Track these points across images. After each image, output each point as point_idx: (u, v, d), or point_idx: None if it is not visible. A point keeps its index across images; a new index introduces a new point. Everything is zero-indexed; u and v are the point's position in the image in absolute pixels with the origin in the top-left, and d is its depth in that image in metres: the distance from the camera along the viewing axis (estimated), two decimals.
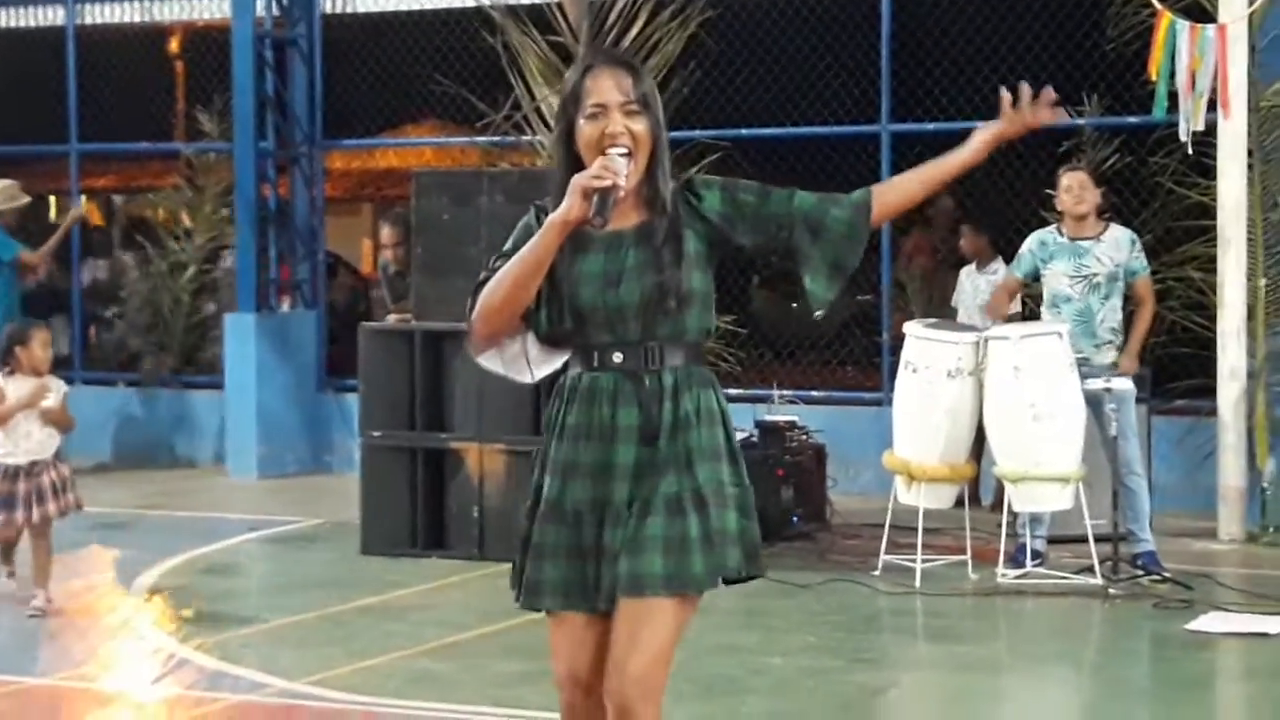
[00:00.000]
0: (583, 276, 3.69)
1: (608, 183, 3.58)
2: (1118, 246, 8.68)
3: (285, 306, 13.12)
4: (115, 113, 14.70)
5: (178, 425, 13.28)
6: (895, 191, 3.93)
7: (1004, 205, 11.74)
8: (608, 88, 3.67)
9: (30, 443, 7.80)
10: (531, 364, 3.83)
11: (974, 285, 10.87)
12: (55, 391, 7.88)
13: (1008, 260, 10.60)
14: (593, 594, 3.70)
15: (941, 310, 11.16)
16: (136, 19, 14.20)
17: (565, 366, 3.83)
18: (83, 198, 13.25)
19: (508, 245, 3.79)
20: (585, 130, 3.69)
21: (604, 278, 3.69)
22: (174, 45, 17.44)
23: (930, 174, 3.92)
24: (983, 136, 3.90)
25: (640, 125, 3.67)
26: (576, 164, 3.70)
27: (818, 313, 3.86)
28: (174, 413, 13.32)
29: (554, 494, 3.75)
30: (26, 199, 12.09)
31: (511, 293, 3.70)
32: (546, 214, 3.69)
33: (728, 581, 3.75)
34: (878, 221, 3.91)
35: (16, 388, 7.81)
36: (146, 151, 15.80)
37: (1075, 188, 8.67)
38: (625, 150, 3.65)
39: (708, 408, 3.74)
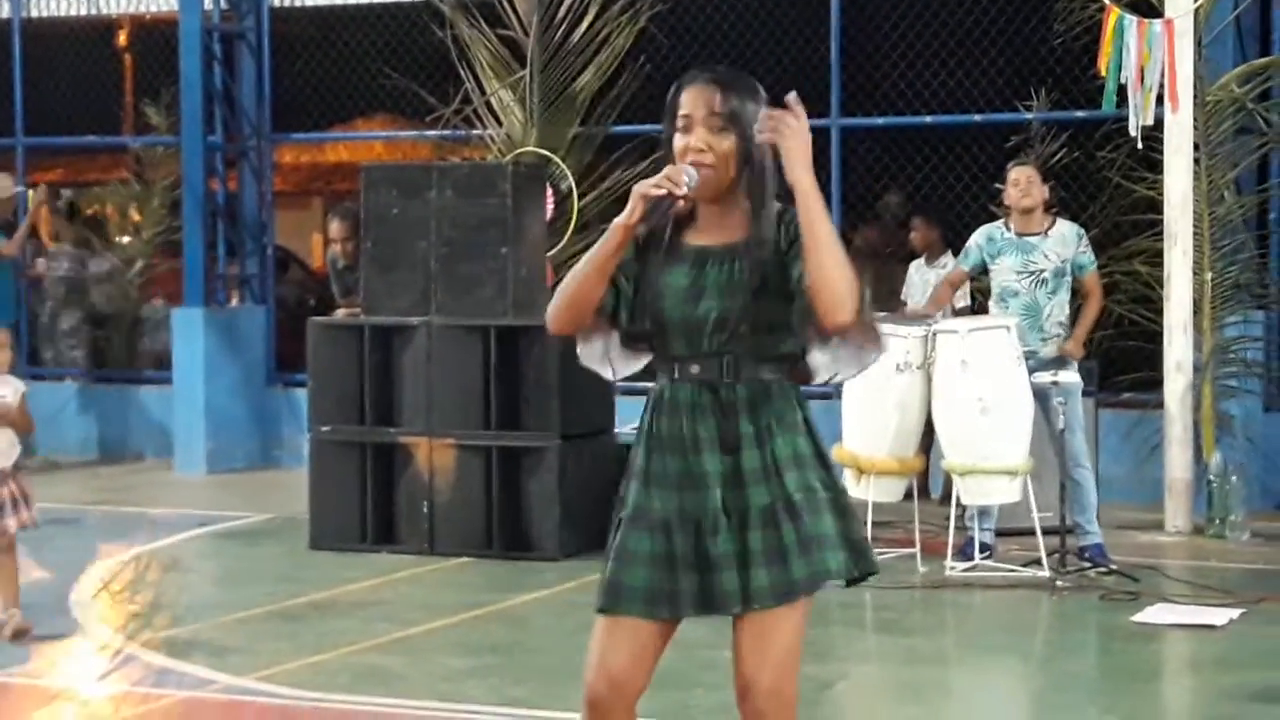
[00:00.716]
0: (667, 288, 3.77)
1: (663, 192, 3.67)
2: (1064, 242, 8.72)
3: (234, 301, 13.07)
4: (62, 106, 14.62)
5: (126, 420, 13.20)
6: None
7: (953, 200, 11.80)
8: (696, 101, 3.74)
9: None
10: (613, 363, 3.90)
11: (923, 279, 10.91)
12: (14, 391, 7.32)
13: (957, 254, 10.66)
14: (676, 600, 3.74)
15: (890, 304, 11.19)
16: (84, 12, 14.11)
17: (656, 376, 3.89)
18: (30, 190, 13.12)
19: None
20: (675, 142, 3.76)
21: (686, 291, 3.75)
22: (122, 39, 17.34)
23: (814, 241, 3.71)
24: (792, 174, 3.71)
25: (725, 141, 3.72)
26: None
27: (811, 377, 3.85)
28: (122, 408, 13.24)
29: (641, 502, 3.80)
30: (16, 190, 12.00)
31: (577, 290, 3.77)
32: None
33: (849, 582, 3.81)
34: (831, 324, 3.68)
35: None
36: (94, 145, 15.70)
37: (1023, 182, 8.72)
38: (707, 164, 3.71)
39: (789, 420, 3.76)
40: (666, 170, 3.71)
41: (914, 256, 11.36)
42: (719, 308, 3.72)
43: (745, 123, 3.73)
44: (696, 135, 3.73)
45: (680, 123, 3.75)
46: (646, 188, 3.67)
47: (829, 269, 3.61)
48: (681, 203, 3.72)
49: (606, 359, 3.89)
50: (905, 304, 10.97)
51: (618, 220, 3.70)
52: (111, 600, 8.11)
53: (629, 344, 3.87)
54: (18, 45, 13.83)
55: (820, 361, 3.81)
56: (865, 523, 8.47)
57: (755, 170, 3.75)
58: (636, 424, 3.91)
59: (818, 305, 3.63)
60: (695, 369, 3.76)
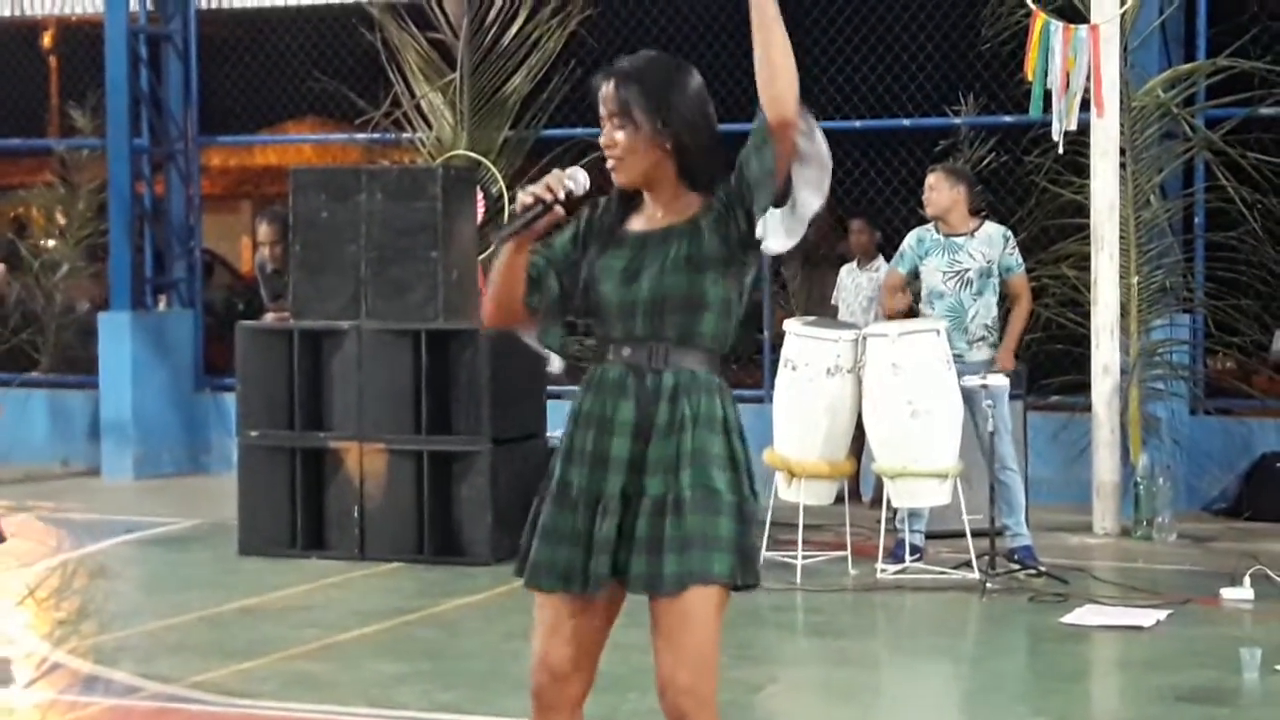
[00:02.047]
0: (604, 271, 3.81)
1: (530, 200, 3.71)
2: (990, 243, 8.78)
3: (162, 305, 12.97)
4: None
5: (52, 425, 13.07)
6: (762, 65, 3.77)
7: (882, 204, 11.84)
8: (600, 99, 3.82)
9: None
10: (550, 346, 3.97)
11: (855, 283, 10.93)
12: None
13: (888, 258, 10.72)
14: (579, 578, 3.76)
15: (821, 308, 11.22)
16: (8, 13, 13.96)
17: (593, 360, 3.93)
18: None
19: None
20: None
21: (622, 273, 3.80)
22: (47, 40, 17.18)
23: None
24: None
25: (622, 136, 3.77)
26: None
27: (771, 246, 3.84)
28: (48, 413, 13.11)
29: (560, 478, 3.83)
30: None
31: (498, 293, 3.85)
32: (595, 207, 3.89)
33: (734, 589, 3.78)
34: (777, 115, 3.72)
35: None
36: (18, 148, 15.54)
37: (929, 186, 8.84)
38: (615, 156, 3.78)
39: (708, 413, 3.77)
40: (549, 177, 3.75)
41: (843, 260, 11.39)
42: (652, 291, 3.76)
43: (644, 111, 3.76)
44: (605, 130, 3.81)
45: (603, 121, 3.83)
46: (527, 192, 3.74)
47: (778, 49, 3.69)
48: (560, 209, 3.74)
49: (542, 340, 3.95)
50: (836, 308, 11.00)
51: (496, 235, 3.83)
52: (37, 607, 8.02)
53: (558, 319, 3.93)
54: None
55: (785, 215, 3.77)
56: (797, 526, 8.51)
57: (685, 152, 3.78)
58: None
59: (768, 93, 3.66)
60: (626, 351, 3.80)
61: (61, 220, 13.85)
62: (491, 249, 3.93)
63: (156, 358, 12.56)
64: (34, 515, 10.61)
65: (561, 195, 3.72)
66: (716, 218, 3.78)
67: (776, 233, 3.77)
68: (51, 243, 13.62)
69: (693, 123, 3.80)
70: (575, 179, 3.75)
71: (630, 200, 3.88)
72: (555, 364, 3.99)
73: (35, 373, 13.34)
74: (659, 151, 3.78)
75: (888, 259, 10.79)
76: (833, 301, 11.11)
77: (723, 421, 3.79)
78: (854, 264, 11.09)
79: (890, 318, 9.10)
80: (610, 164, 3.82)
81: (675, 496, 3.71)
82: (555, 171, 3.76)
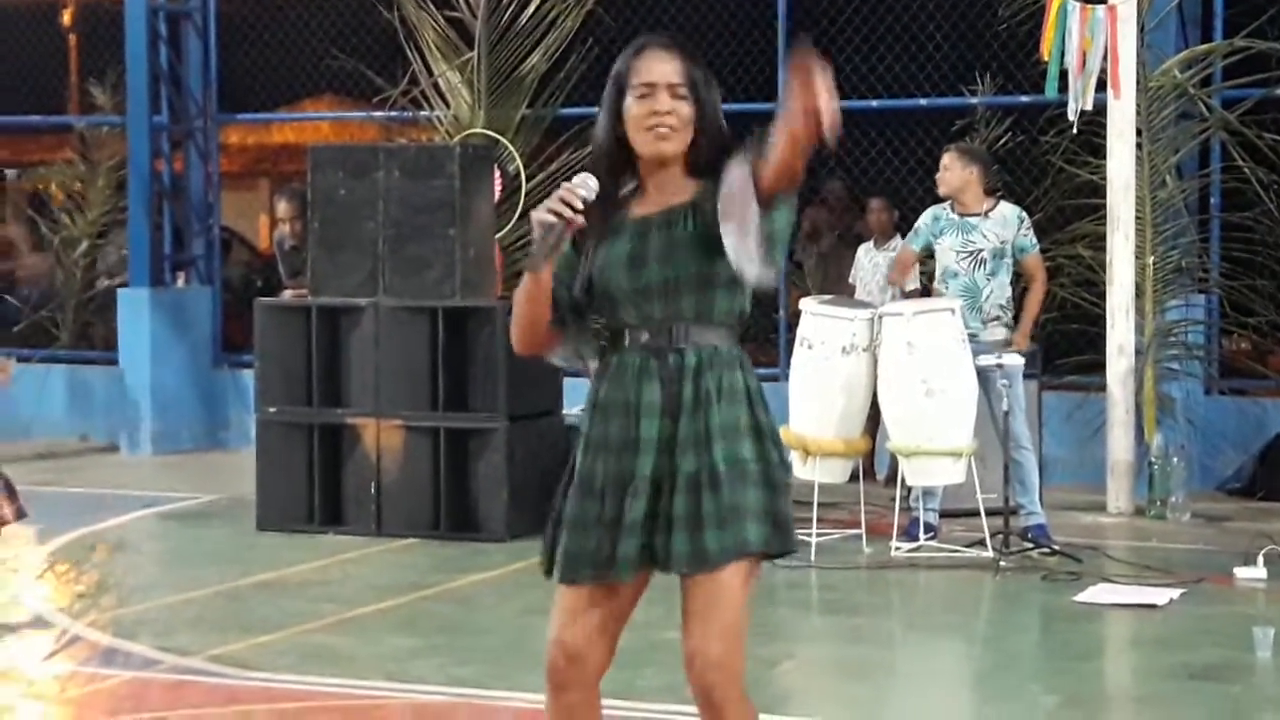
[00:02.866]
0: (611, 261, 3.78)
1: (552, 219, 3.66)
2: (1005, 223, 8.80)
3: (181, 282, 13.02)
4: (6, 86, 14.51)
5: (72, 401, 13.14)
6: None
7: (899, 183, 11.86)
8: (659, 69, 3.74)
9: None
10: (583, 354, 3.93)
11: (873, 262, 10.93)
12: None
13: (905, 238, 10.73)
14: (608, 565, 3.76)
15: (838, 288, 11.23)
16: None
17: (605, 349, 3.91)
18: None
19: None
20: (633, 109, 3.75)
21: (629, 260, 3.77)
22: (66, 18, 17.22)
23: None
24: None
25: (684, 108, 3.74)
26: (619, 142, 3.79)
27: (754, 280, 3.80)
28: (68, 388, 13.18)
29: (585, 469, 3.82)
30: None
31: (527, 319, 3.84)
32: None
33: (767, 557, 3.80)
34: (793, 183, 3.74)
35: None
36: (39, 125, 15.60)
37: (943, 166, 8.87)
38: (671, 126, 3.72)
39: (730, 386, 3.78)
40: (559, 191, 3.69)
41: (860, 240, 11.41)
42: (663, 273, 3.75)
43: (705, 92, 3.77)
44: (661, 101, 3.73)
45: (641, 90, 3.74)
46: (541, 213, 3.68)
47: (796, 165, 3.60)
48: (580, 218, 3.69)
49: (577, 353, 3.92)
50: (854, 287, 11.02)
51: (527, 264, 3.75)
52: (58, 580, 8.09)
53: (587, 328, 3.90)
54: None
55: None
56: (812, 503, 8.54)
57: (708, 135, 3.78)
58: (583, 404, 3.93)
59: (774, 172, 3.60)
60: (645, 337, 3.79)
61: (81, 196, 13.90)
62: (524, 270, 3.83)
63: (175, 334, 12.61)
64: (54, 489, 10.69)
65: (579, 205, 3.68)
66: (713, 195, 3.76)
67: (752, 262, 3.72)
68: (71, 219, 13.66)
69: (717, 108, 3.82)
70: (587, 185, 3.71)
71: (612, 186, 3.82)
72: (594, 363, 3.94)
73: (55, 348, 13.39)
74: (691, 135, 3.78)
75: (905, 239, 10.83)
76: (850, 280, 11.12)
77: (745, 393, 3.80)
78: (871, 244, 11.10)
79: (902, 291, 9.15)
80: (660, 135, 3.74)
81: (710, 472, 3.72)
82: (564, 185, 3.71)
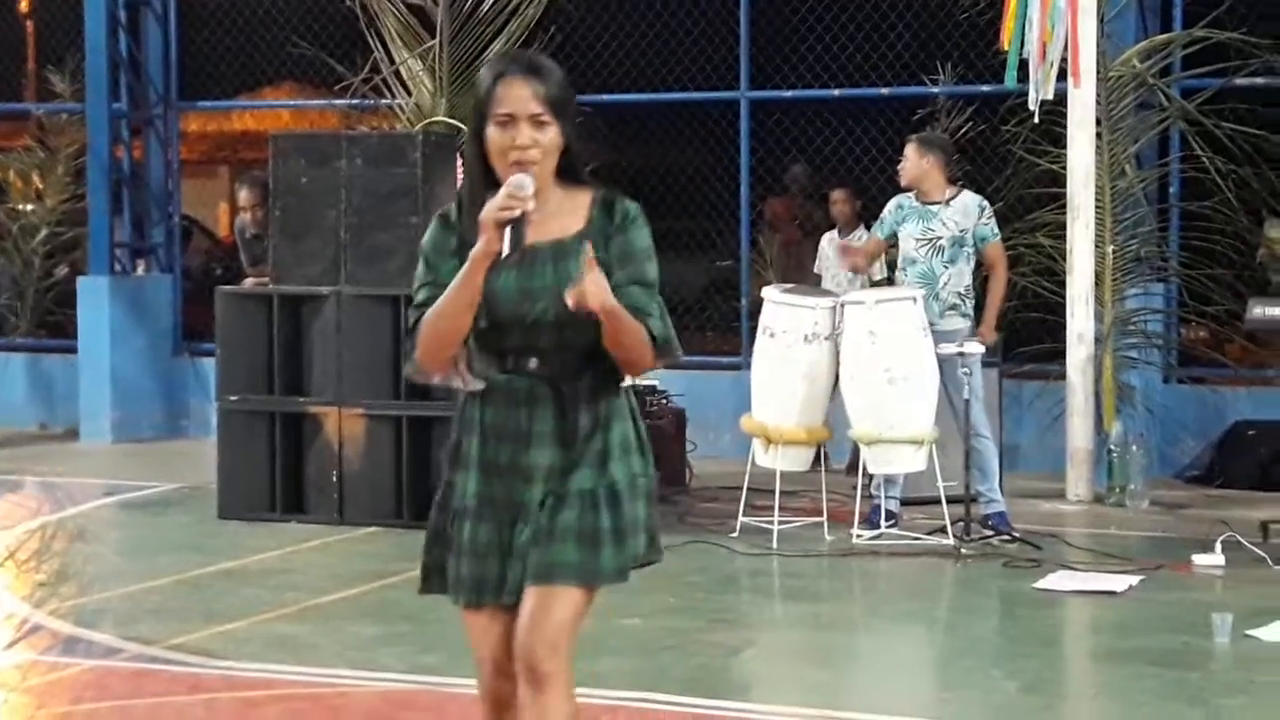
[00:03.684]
0: (497, 293, 3.67)
1: (516, 213, 3.57)
2: (965, 212, 8.84)
3: (140, 270, 12.97)
4: None
5: (30, 389, 13.08)
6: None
7: (860, 172, 11.89)
8: (517, 97, 3.64)
9: None
10: (463, 375, 3.80)
11: (837, 251, 10.92)
12: None
13: (869, 228, 10.77)
14: (499, 588, 3.74)
15: (800, 276, 11.26)
16: None
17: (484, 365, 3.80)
18: None
19: (422, 263, 3.79)
20: (494, 138, 3.65)
21: (518, 293, 3.68)
22: (24, 4, 17.10)
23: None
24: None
25: (548, 136, 3.65)
26: (486, 166, 3.70)
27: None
28: (26, 376, 13.12)
29: (474, 490, 3.77)
30: None
31: (450, 329, 3.67)
32: (448, 220, 3.75)
33: (636, 567, 3.82)
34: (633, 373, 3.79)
35: None
36: None
37: (903, 158, 8.91)
38: (533, 160, 3.63)
39: (620, 405, 3.79)
40: (505, 189, 3.58)
41: (820, 229, 11.42)
42: (555, 310, 3.64)
43: (567, 111, 3.69)
44: (522, 133, 3.63)
45: (500, 118, 3.64)
46: (496, 213, 3.55)
47: (628, 349, 3.64)
48: (534, 214, 3.58)
49: (459, 373, 3.79)
50: (820, 276, 11.04)
51: (475, 252, 3.58)
52: (18, 569, 8.05)
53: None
54: None
55: None
56: (774, 491, 8.57)
57: (575, 155, 3.71)
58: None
59: (628, 370, 3.71)
60: (533, 363, 3.72)
61: (38, 184, 13.82)
62: (504, 266, 3.70)
63: (135, 322, 12.57)
64: (16, 478, 10.64)
65: (530, 201, 3.58)
66: (604, 239, 3.70)
67: None
68: (29, 207, 13.58)
69: (574, 118, 3.73)
70: (525, 183, 3.58)
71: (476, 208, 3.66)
72: (477, 384, 3.82)
73: (13, 337, 13.32)
74: (558, 152, 3.69)
75: (869, 228, 10.85)
76: (815, 270, 11.13)
77: (630, 409, 3.82)
78: (835, 233, 11.12)
79: (870, 280, 9.18)
80: (525, 179, 3.59)
81: (609, 490, 3.73)
82: (505, 187, 3.58)
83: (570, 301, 3.54)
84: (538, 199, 3.63)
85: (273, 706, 5.90)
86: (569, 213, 3.72)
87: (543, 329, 3.69)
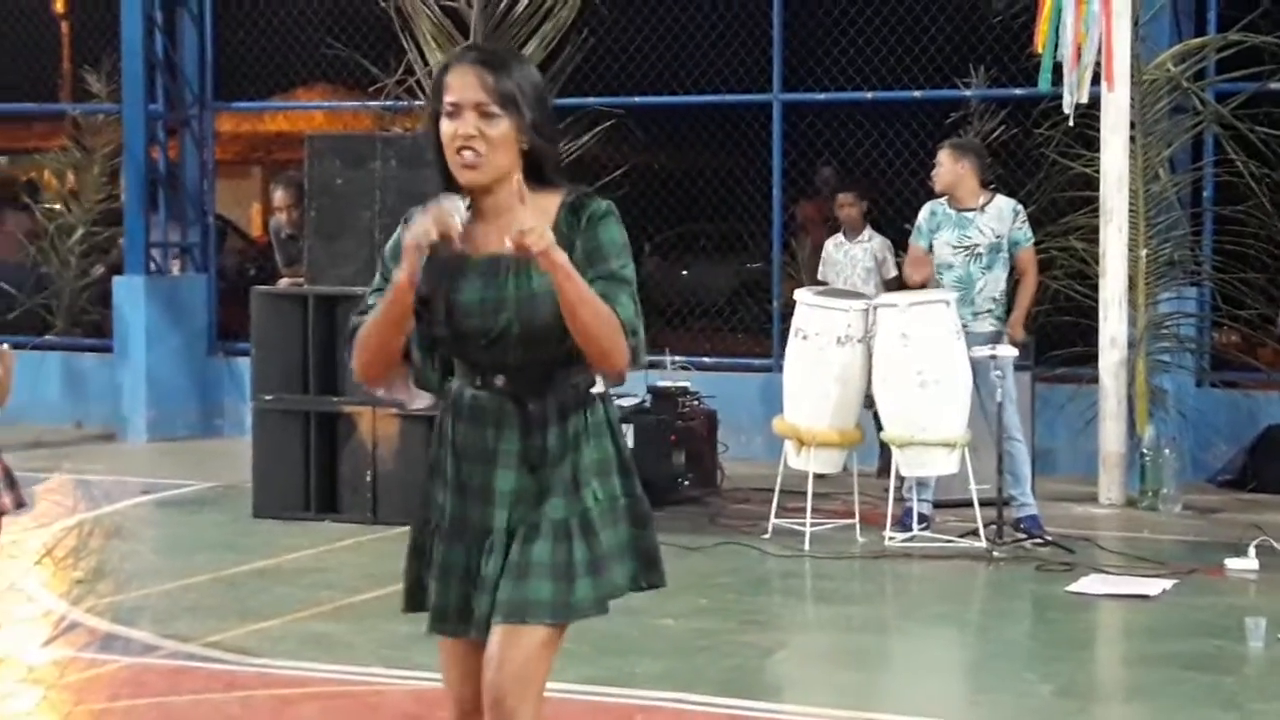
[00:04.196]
0: (460, 305, 3.52)
1: (434, 239, 3.40)
2: (1000, 217, 8.84)
3: (176, 270, 13.04)
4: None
5: (66, 388, 13.15)
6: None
7: (892, 175, 11.89)
8: (464, 85, 3.48)
9: None
10: (414, 389, 3.69)
11: (848, 255, 10.78)
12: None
13: (877, 230, 10.78)
14: (466, 620, 3.59)
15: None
16: None
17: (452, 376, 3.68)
18: None
19: (380, 266, 3.67)
20: (444, 129, 3.50)
21: (482, 305, 3.51)
22: (59, 4, 17.22)
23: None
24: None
25: (497, 128, 3.47)
26: (443, 156, 3.55)
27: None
28: (62, 375, 13.19)
29: (453, 511, 3.62)
30: None
31: (379, 349, 3.54)
32: (409, 223, 3.53)
33: (638, 590, 3.67)
34: (610, 373, 3.55)
35: None
36: (32, 112, 15.60)
37: (937, 164, 8.90)
38: (478, 150, 3.48)
39: (595, 422, 3.59)
40: (432, 213, 3.40)
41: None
42: (520, 322, 3.50)
43: (525, 104, 3.48)
44: (465, 122, 3.47)
45: (448, 108, 3.49)
46: (418, 238, 3.39)
47: (592, 327, 3.41)
48: (456, 241, 3.42)
49: (408, 388, 3.67)
50: (825, 283, 10.93)
51: (397, 280, 3.43)
52: (56, 567, 8.11)
53: (429, 352, 3.63)
54: None
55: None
56: (806, 493, 8.59)
57: (540, 152, 3.53)
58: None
59: (590, 359, 3.48)
60: (500, 380, 3.55)
61: (72, 186, 13.90)
62: (460, 277, 3.57)
63: (170, 322, 12.63)
64: (57, 475, 10.71)
65: (458, 228, 3.41)
66: (569, 244, 3.47)
67: None
68: (60, 206, 13.66)
69: (548, 117, 3.55)
70: (459, 209, 3.43)
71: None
72: (421, 401, 3.76)
73: (50, 335, 13.41)
74: (516, 150, 3.50)
75: (877, 230, 10.84)
76: (820, 276, 10.95)
77: (609, 426, 3.61)
78: (840, 236, 10.99)
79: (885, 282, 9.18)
80: (466, 162, 3.47)
81: (581, 518, 3.54)
82: (437, 210, 3.42)
83: (509, 243, 3.32)
84: (493, 197, 3.51)
85: (309, 704, 5.95)
86: (534, 218, 3.40)
87: (509, 343, 3.51)
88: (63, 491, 10.34)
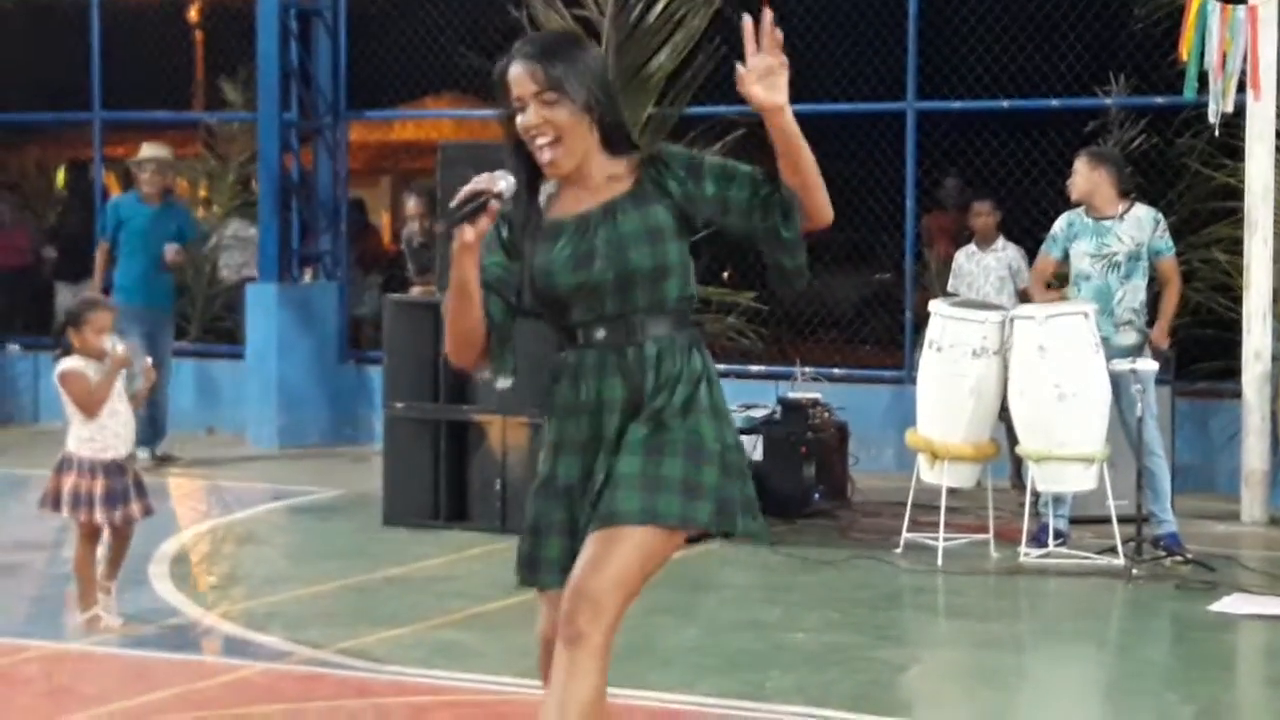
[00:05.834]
0: (554, 264, 3.74)
1: (468, 194, 3.62)
2: (1140, 226, 8.68)
3: (307, 278, 13.14)
4: (134, 82, 14.70)
5: (198, 394, 13.29)
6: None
7: (1029, 185, 11.73)
8: (519, 80, 3.72)
9: (126, 427, 6.88)
10: (505, 373, 3.89)
11: (981, 265, 10.68)
12: (146, 371, 7.17)
13: (1009, 237, 10.63)
14: (565, 572, 3.72)
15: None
16: None
17: (558, 348, 3.87)
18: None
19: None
20: (518, 124, 3.75)
21: (575, 259, 3.73)
22: (193, 14, 17.44)
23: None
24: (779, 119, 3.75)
25: (560, 112, 3.70)
26: (521, 148, 3.78)
27: (798, 283, 3.82)
28: (194, 382, 13.33)
29: (548, 470, 3.81)
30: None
31: (459, 328, 3.78)
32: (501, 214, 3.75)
33: (696, 539, 3.79)
34: (816, 224, 3.81)
35: (99, 369, 6.77)
36: (168, 121, 15.79)
37: (1073, 172, 8.75)
38: (549, 138, 3.71)
39: (690, 370, 3.77)
40: (477, 178, 3.66)
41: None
42: (614, 269, 3.72)
43: (579, 85, 3.72)
44: (531, 115, 3.72)
45: (515, 105, 3.74)
46: (464, 191, 3.63)
47: (810, 176, 3.71)
48: (497, 203, 3.64)
49: (502, 370, 3.88)
50: (954, 294, 10.79)
51: (454, 247, 3.66)
52: (189, 571, 8.17)
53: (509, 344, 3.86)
54: (96, 22, 13.92)
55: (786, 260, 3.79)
56: (939, 508, 8.47)
57: (608, 125, 3.77)
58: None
59: (810, 213, 3.73)
60: (600, 334, 3.75)
61: (204, 193, 14.07)
62: (439, 238, 3.87)
63: (302, 329, 12.73)
64: (188, 480, 10.82)
65: (497, 189, 3.64)
66: (660, 192, 3.75)
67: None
68: (201, 213, 13.82)
69: (607, 88, 3.78)
70: (506, 179, 3.67)
71: (534, 190, 3.81)
72: (504, 382, 3.90)
73: (183, 342, 13.56)
74: (588, 126, 3.74)
75: (1010, 239, 10.70)
76: (950, 288, 10.84)
77: (704, 374, 3.79)
78: (972, 246, 10.87)
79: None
80: (546, 149, 3.72)
81: (670, 442, 3.69)
82: (484, 174, 3.68)
83: (747, 83, 3.68)
84: (577, 173, 3.75)
85: (441, 713, 5.94)
86: (615, 180, 3.78)
87: (605, 293, 3.72)
88: (195, 497, 10.45)
